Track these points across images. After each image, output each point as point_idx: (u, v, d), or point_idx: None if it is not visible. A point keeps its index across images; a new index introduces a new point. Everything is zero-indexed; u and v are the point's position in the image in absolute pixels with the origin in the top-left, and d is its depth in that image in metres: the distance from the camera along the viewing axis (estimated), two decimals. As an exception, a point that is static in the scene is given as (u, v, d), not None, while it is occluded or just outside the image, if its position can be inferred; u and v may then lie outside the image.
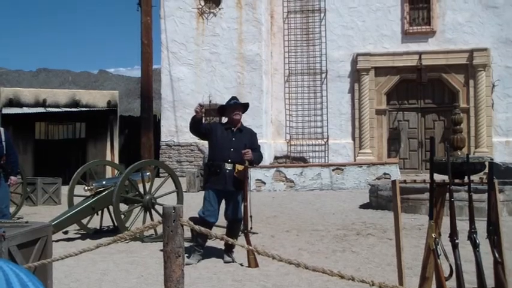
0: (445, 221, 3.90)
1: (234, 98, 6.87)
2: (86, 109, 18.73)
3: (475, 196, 4.21)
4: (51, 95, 18.95)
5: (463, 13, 20.07)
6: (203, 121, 6.64)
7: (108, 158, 18.50)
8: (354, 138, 20.71)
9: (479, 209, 6.76)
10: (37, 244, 4.04)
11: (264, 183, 15.57)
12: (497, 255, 3.78)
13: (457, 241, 3.71)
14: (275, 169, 15.88)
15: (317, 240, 7.81)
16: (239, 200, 6.53)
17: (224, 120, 7.09)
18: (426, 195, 10.17)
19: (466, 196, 4.05)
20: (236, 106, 6.70)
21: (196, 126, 6.54)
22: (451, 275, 3.66)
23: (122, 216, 8.17)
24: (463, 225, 5.48)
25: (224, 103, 6.90)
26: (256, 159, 6.60)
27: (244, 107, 6.89)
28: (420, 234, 7.85)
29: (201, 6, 20.47)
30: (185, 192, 13.28)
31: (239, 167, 6.41)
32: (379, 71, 20.48)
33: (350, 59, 20.74)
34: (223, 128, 6.68)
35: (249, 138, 6.65)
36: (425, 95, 20.40)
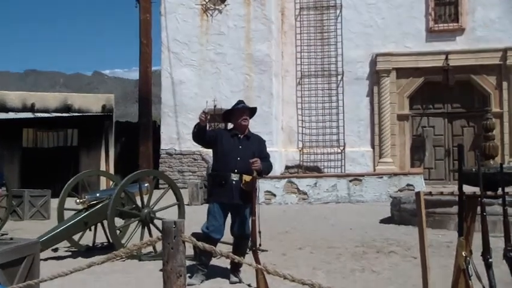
0: (477, 238, 3.84)
1: (240, 101, 6.86)
2: (78, 114, 18.80)
3: (510, 210, 4.15)
4: (40, 99, 19.04)
5: (495, 9, 20.01)
6: (207, 128, 6.61)
7: (103, 167, 18.53)
8: (373, 146, 20.65)
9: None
10: (23, 263, 4.01)
11: (274, 195, 15.52)
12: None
13: (490, 260, 3.66)
14: (286, 180, 15.84)
15: (333, 259, 7.76)
16: (246, 214, 6.49)
17: (230, 126, 7.07)
18: (455, 208, 10.14)
19: (500, 210, 3.99)
20: (243, 110, 6.68)
21: (200, 135, 6.51)
22: (484, 297, 3.60)
23: (118, 231, 8.15)
24: (497, 242, 5.40)
25: (230, 108, 6.87)
26: (266, 169, 6.56)
27: (252, 111, 6.86)
28: (449, 252, 7.77)
29: (205, 3, 20.52)
30: (187, 205, 13.28)
31: (246, 178, 6.38)
32: (401, 73, 20.42)
33: (369, 60, 20.71)
34: (229, 135, 6.66)
35: (258, 146, 6.62)
36: (452, 98, 20.31)
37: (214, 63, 20.35)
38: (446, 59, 19.79)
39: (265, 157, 6.60)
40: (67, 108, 18.95)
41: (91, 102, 19.55)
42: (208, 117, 6.41)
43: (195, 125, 6.47)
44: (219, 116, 19.99)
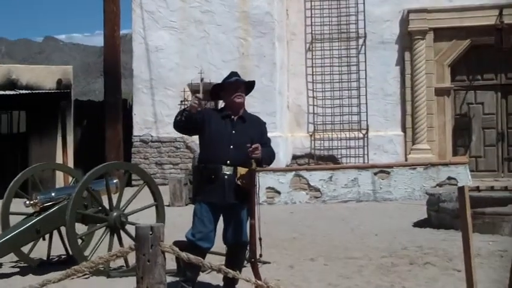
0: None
1: (234, 73, 6.86)
2: (26, 92, 18.75)
3: None
4: (-24, 73, 19.01)
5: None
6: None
7: (59, 160, 18.52)
8: (404, 129, 20.65)
9: None
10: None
11: (279, 192, 15.55)
12: None
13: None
14: (294, 173, 15.86)
15: (354, 272, 7.79)
16: (243, 216, 6.52)
17: (221, 105, 7.08)
18: (510, 208, 10.19)
19: None
20: (237, 85, 6.69)
21: (187, 126, 6.51)
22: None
23: (79, 241, 8.17)
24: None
25: (220, 82, 6.88)
26: (267, 158, 6.58)
27: (249, 86, 6.87)
28: (502, 263, 7.80)
29: None
30: (168, 206, 13.32)
31: (242, 171, 6.40)
32: (441, 34, 20.38)
33: (399, 18, 20.66)
34: (220, 117, 6.67)
35: (256, 130, 6.64)
36: (508, 66, 20.29)
37: (201, 24, 20.30)
38: (500, 14, 19.73)
39: (265, 143, 6.62)
40: (11, 84, 18.89)
41: (42, 76, 19.50)
42: (204, 104, 6.39)
43: (181, 112, 6.44)
44: (207, 93, 20.05)
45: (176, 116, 6.52)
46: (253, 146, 6.29)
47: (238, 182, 6.41)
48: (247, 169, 6.39)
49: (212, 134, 6.54)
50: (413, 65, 20.40)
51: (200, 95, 6.48)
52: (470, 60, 20.52)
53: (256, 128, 6.68)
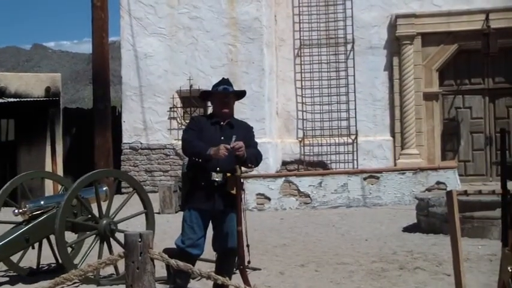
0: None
1: (224, 81, 6.86)
2: (14, 100, 18.69)
3: None
4: (-37, 81, 18.94)
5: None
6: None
7: (49, 168, 18.47)
8: (393, 134, 20.68)
9: None
10: None
11: (269, 198, 15.54)
12: None
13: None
14: (283, 179, 15.86)
15: (344, 278, 7.80)
16: (233, 223, 6.52)
17: (208, 111, 7.08)
18: (498, 212, 10.20)
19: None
20: (224, 95, 6.69)
21: (199, 159, 6.50)
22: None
23: (69, 249, 8.14)
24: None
25: (211, 88, 6.89)
26: (252, 158, 6.57)
27: (238, 95, 6.91)
28: (491, 267, 7.82)
29: (175, -48, 20.47)
30: (157, 213, 13.28)
31: (228, 175, 6.41)
32: (429, 39, 20.44)
33: (387, 23, 20.71)
34: (209, 123, 6.68)
35: (243, 135, 6.64)
36: (495, 71, 20.37)
37: (189, 30, 20.30)
38: (487, 19, 19.81)
39: (251, 145, 6.62)
40: (-1, 92, 18.86)
41: (31, 84, 19.44)
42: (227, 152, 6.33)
43: (203, 152, 6.39)
44: (196, 99, 19.97)
45: (196, 149, 6.49)
46: (233, 144, 6.29)
47: (228, 189, 6.42)
48: (230, 173, 6.41)
49: (203, 140, 6.53)
50: (402, 70, 20.44)
51: (229, 147, 6.35)
52: (458, 64, 20.60)
53: (244, 133, 6.68)
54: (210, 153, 6.31)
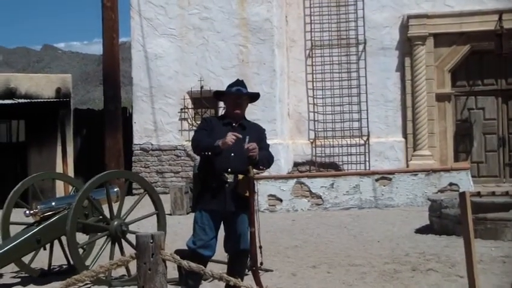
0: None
1: (238, 82, 6.87)
2: (25, 101, 18.76)
3: None
4: (-25, 82, 19.01)
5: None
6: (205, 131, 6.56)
7: (59, 169, 18.52)
8: (405, 136, 20.65)
9: None
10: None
11: (280, 200, 15.53)
12: None
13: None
14: (295, 180, 15.85)
15: (356, 279, 7.79)
16: (244, 224, 6.52)
17: (221, 112, 7.09)
18: None
19: None
20: (237, 96, 6.70)
21: (209, 152, 6.50)
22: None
23: (80, 250, 8.17)
24: None
25: (225, 89, 6.91)
26: (264, 160, 6.58)
27: (252, 98, 6.92)
28: (504, 269, 7.81)
29: (186, -47, 20.51)
30: (169, 215, 13.30)
31: (240, 176, 6.41)
32: (441, 40, 20.40)
33: (398, 24, 20.68)
34: (221, 124, 6.68)
35: (255, 137, 6.64)
36: (508, 71, 20.30)
37: (200, 31, 20.33)
38: (500, 19, 19.75)
39: (263, 148, 6.62)
40: (10, 93, 18.88)
41: (41, 85, 19.51)
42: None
43: (211, 145, 6.39)
44: (206, 100, 19.99)
45: (203, 143, 6.50)
46: (247, 145, 6.30)
47: (238, 190, 6.42)
48: (243, 175, 6.41)
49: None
50: (414, 70, 20.40)
51: (238, 135, 6.35)
52: (471, 65, 20.54)
53: (256, 135, 6.68)
54: (219, 143, 6.31)
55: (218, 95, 6.99)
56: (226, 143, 6.26)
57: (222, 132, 6.55)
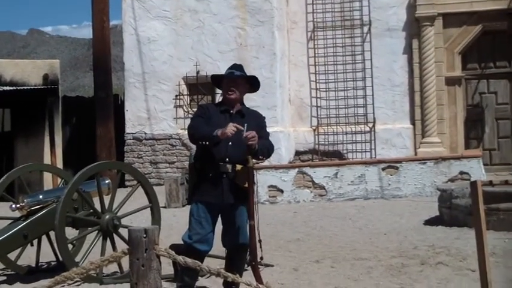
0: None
1: (236, 66, 6.89)
2: (10, 88, 18.75)
3: None
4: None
5: None
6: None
7: (47, 160, 18.54)
8: (413, 122, 20.64)
9: None
10: None
11: (282, 191, 15.55)
12: None
13: None
14: (297, 170, 15.86)
15: (362, 274, 7.81)
16: (243, 217, 6.53)
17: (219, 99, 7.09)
18: (525, 203, 10.20)
19: None
20: (233, 79, 6.70)
21: (207, 142, 6.49)
22: None
23: (70, 246, 8.17)
24: None
25: (220, 74, 6.92)
26: (264, 149, 6.58)
27: (252, 81, 6.91)
28: (518, 261, 7.82)
29: None
30: (164, 208, 13.32)
31: (238, 167, 6.42)
32: (450, 20, 20.36)
33: (405, 3, 20.63)
34: (218, 112, 6.68)
35: (254, 125, 6.63)
36: (522, 53, 20.28)
37: (196, 13, 20.29)
38: (512, -1, 19.74)
39: (263, 137, 6.62)
40: (-6, 80, 18.92)
41: (28, 72, 19.49)
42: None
43: (210, 134, 6.39)
44: (203, 86, 20.00)
45: (200, 133, 6.49)
46: (246, 134, 6.29)
47: (236, 181, 6.43)
48: (242, 166, 6.41)
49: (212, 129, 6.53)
50: (422, 53, 20.37)
51: (239, 126, 6.34)
52: (482, 47, 20.50)
53: (255, 123, 6.68)
54: (218, 133, 6.31)
55: (217, 81, 6.96)
56: (225, 134, 6.26)
57: (220, 120, 6.54)
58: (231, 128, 6.26)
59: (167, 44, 20.38)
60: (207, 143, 6.44)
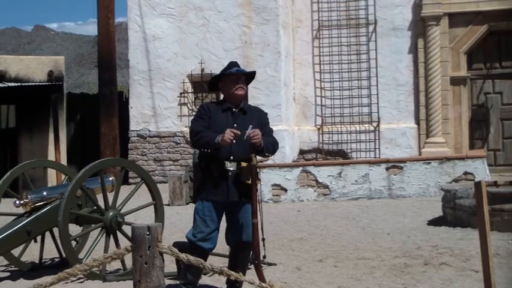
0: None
1: (234, 63, 6.87)
2: (15, 84, 18.76)
3: None
4: (-39, 64, 19.01)
5: None
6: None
7: (52, 157, 18.54)
8: (418, 122, 20.62)
9: None
10: None
11: (285, 190, 15.55)
12: None
13: None
14: (301, 169, 15.86)
15: (365, 274, 7.81)
16: (247, 215, 6.53)
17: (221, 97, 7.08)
18: (529, 204, 10.18)
19: None
20: (237, 76, 6.70)
21: (209, 150, 6.50)
22: None
23: (73, 243, 8.18)
24: None
25: (219, 73, 6.90)
26: (269, 146, 6.57)
27: (249, 77, 6.91)
28: (522, 263, 7.81)
29: None
30: (167, 205, 13.32)
31: (243, 164, 6.41)
32: (456, 20, 20.32)
33: (411, 3, 20.60)
34: (219, 110, 6.67)
35: (257, 121, 6.63)
36: (527, 53, 20.24)
37: (201, 11, 20.28)
38: (518, -2, 19.71)
39: (266, 133, 6.61)
40: (-1, 76, 18.94)
41: (32, 68, 19.51)
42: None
43: (211, 142, 6.39)
44: (207, 84, 19.98)
45: (203, 138, 6.48)
46: (249, 132, 6.28)
47: (242, 179, 6.43)
48: (246, 163, 6.41)
49: (214, 129, 6.51)
50: (427, 52, 20.34)
51: (236, 131, 6.33)
52: (488, 47, 20.47)
53: (258, 119, 6.68)
54: (218, 140, 6.31)
55: (214, 82, 6.92)
56: (225, 141, 6.27)
57: (222, 118, 6.55)
58: (228, 134, 6.26)
59: (172, 42, 20.38)
60: (209, 150, 6.45)
